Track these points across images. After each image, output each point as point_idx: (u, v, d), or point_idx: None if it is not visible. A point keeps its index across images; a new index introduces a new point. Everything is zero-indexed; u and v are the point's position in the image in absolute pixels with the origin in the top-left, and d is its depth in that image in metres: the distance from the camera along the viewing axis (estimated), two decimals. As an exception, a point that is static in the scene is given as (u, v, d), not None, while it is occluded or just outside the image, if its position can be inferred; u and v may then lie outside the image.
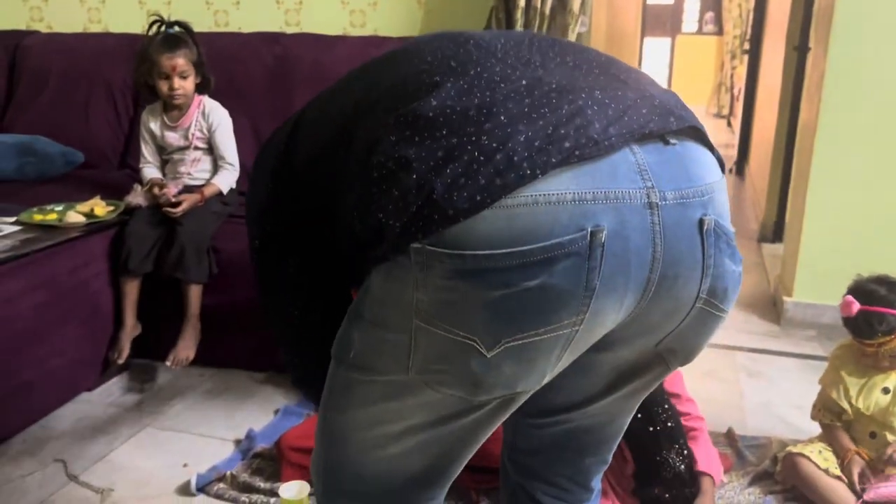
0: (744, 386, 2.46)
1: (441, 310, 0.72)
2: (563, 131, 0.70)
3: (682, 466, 1.69)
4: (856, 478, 1.75)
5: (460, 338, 0.72)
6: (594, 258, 0.69)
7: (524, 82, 0.75)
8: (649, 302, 0.76)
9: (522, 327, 0.71)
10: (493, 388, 0.76)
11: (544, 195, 0.68)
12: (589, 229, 0.68)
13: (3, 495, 1.86)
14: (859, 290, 1.79)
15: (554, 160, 0.68)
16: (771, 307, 3.07)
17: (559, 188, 0.68)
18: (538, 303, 0.69)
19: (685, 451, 1.72)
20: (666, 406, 1.68)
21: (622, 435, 1.06)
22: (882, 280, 1.80)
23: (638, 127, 0.74)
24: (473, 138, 0.70)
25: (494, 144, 0.69)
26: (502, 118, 0.71)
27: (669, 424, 1.66)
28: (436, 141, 0.71)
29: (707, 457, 1.74)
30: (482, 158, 0.69)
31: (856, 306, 1.75)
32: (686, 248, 0.75)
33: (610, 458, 1.09)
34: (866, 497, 1.72)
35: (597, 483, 1.12)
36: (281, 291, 1.01)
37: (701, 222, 0.75)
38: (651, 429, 1.65)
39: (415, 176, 0.71)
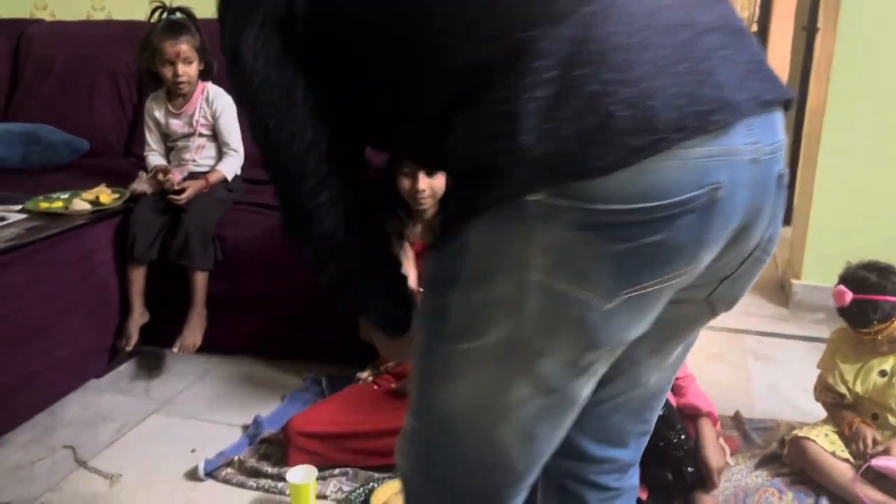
0: (751, 369, 2.45)
1: (558, 264, 0.70)
2: (701, 93, 0.69)
3: (685, 448, 1.69)
4: (869, 441, 1.74)
5: (577, 291, 0.71)
6: (710, 214, 0.71)
7: (668, 21, 0.72)
8: (723, 251, 0.78)
9: (640, 279, 0.71)
10: (605, 341, 0.75)
11: (673, 153, 0.68)
12: (709, 186, 0.70)
13: (12, 482, 1.88)
14: (850, 278, 1.77)
15: (693, 126, 0.68)
16: (779, 290, 3.06)
17: (686, 147, 0.68)
18: (657, 256, 0.71)
19: (683, 436, 1.72)
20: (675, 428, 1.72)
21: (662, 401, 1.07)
22: (872, 266, 1.77)
23: (759, 94, 0.75)
24: (613, 88, 0.67)
25: (635, 99, 0.67)
26: (647, 67, 0.68)
27: (664, 412, 1.66)
28: (574, 86, 0.67)
29: (697, 399, 1.85)
30: (622, 114, 0.66)
31: (849, 296, 1.73)
32: (767, 200, 0.79)
33: (652, 426, 1.09)
34: (874, 462, 1.71)
35: (639, 453, 1.12)
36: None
37: (780, 176, 0.80)
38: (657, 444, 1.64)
39: (546, 124, 0.67)
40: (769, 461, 1.91)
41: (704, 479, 1.73)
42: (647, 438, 1.09)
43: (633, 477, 1.13)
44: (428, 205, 2.01)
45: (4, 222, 2.15)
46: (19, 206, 2.27)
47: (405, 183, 1.98)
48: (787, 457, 1.88)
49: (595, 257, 0.69)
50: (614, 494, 1.11)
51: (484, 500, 0.88)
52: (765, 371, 2.44)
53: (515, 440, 0.82)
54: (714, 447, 1.78)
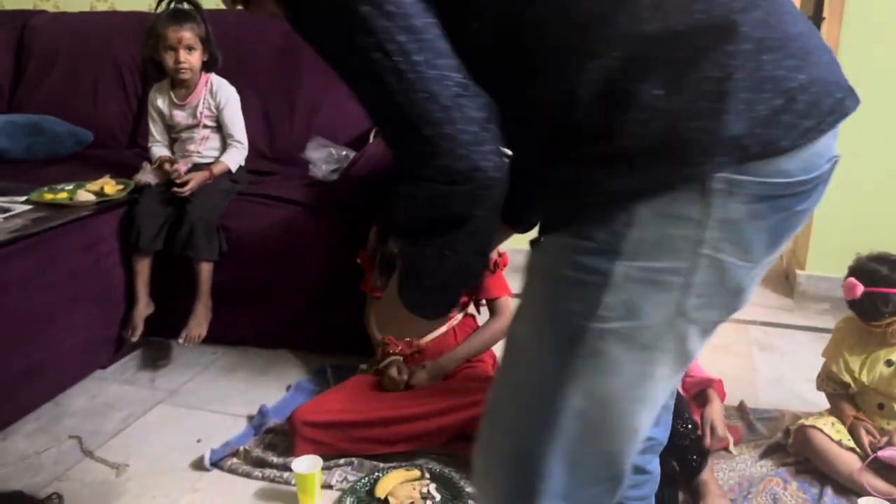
0: (756, 360, 2.44)
1: (728, 237, 0.75)
2: (836, 82, 0.77)
3: (691, 437, 1.69)
4: (865, 440, 1.74)
5: (739, 261, 0.76)
6: (826, 182, 0.80)
7: (797, 20, 0.78)
8: None
9: (779, 246, 0.80)
10: (743, 304, 0.82)
11: (822, 133, 0.76)
12: (833, 160, 0.79)
13: (19, 471, 1.89)
14: (861, 270, 1.76)
15: (838, 111, 0.77)
16: (784, 281, 3.05)
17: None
18: (797, 223, 0.79)
19: (689, 425, 1.73)
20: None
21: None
22: (883, 258, 1.76)
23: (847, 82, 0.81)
24: (793, 74, 0.73)
25: (807, 84, 0.74)
26: (812, 55, 0.76)
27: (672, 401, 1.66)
28: (765, 70, 0.72)
29: (702, 371, 1.94)
30: (800, 98, 0.73)
31: (860, 289, 1.72)
32: None
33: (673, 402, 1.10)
34: (881, 454, 1.71)
35: (666, 434, 1.13)
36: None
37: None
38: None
39: (744, 105, 0.71)
40: (774, 451, 1.91)
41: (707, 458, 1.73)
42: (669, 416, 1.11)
43: (657, 462, 1.13)
44: None
45: (9, 213, 2.16)
46: (24, 197, 2.28)
47: None
48: (792, 446, 1.87)
49: (760, 228, 0.75)
50: (646, 479, 1.12)
51: (611, 479, 0.88)
52: (770, 361, 2.43)
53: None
54: (720, 413, 1.84)
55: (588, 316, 0.76)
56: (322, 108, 2.91)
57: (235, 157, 2.48)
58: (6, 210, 2.17)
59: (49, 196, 2.29)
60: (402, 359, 2.02)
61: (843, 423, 1.81)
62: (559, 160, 0.77)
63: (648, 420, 0.84)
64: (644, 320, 0.76)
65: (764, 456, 1.89)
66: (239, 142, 2.49)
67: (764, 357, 2.47)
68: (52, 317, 2.13)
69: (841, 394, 1.86)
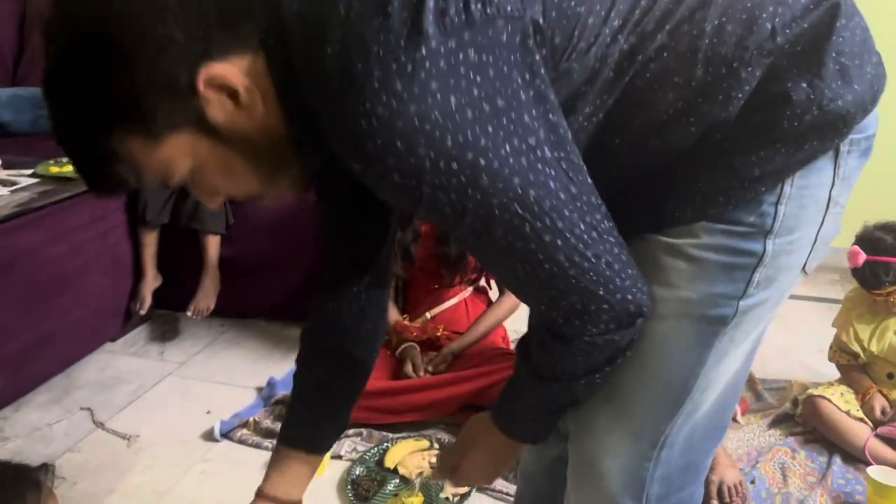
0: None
1: (843, 189, 0.81)
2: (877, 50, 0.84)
3: None
4: (878, 413, 1.75)
5: (840, 207, 0.83)
6: None
7: None
8: None
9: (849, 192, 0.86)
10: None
11: None
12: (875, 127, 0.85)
13: (31, 442, 1.90)
14: (865, 239, 1.75)
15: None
16: (792, 252, 3.03)
17: None
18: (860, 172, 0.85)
19: None
20: None
21: None
22: (889, 227, 1.76)
23: None
24: (870, 36, 0.80)
25: (874, 47, 0.80)
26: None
27: None
28: (858, 36, 0.78)
29: None
30: (878, 59, 0.79)
31: (862, 257, 1.72)
32: None
33: None
34: (880, 430, 1.72)
35: None
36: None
37: None
38: None
39: (862, 68, 0.77)
40: (782, 420, 1.91)
41: None
42: None
43: None
44: None
45: (16, 186, 2.15)
46: (30, 171, 2.27)
47: None
48: (800, 416, 1.88)
49: (855, 177, 0.82)
50: None
51: (718, 439, 0.94)
52: (778, 332, 2.42)
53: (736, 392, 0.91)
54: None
55: (738, 296, 0.80)
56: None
57: (241, 129, 2.46)
58: (13, 183, 2.16)
59: (55, 169, 2.28)
60: (417, 347, 2.01)
61: (858, 393, 1.81)
62: (702, 158, 0.78)
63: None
64: (781, 286, 0.83)
65: (772, 426, 1.90)
66: (245, 113, 2.47)
67: (772, 327, 2.45)
68: (61, 289, 2.14)
69: (853, 365, 1.86)
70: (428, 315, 2.07)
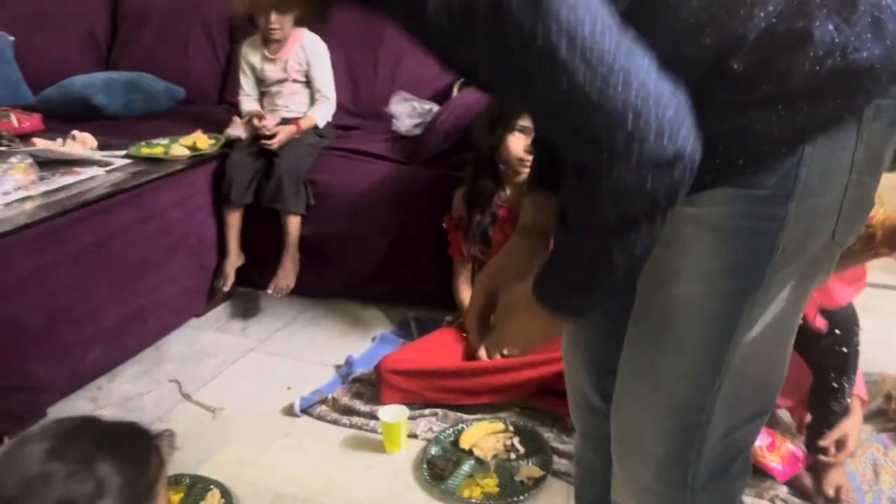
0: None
1: (869, 159, 0.79)
2: None
3: (848, 399, 1.58)
4: None
5: (872, 180, 0.82)
6: None
7: None
8: None
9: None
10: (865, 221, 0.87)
11: None
12: None
13: (124, 412, 2.00)
14: None
15: None
16: (887, 241, 2.89)
17: None
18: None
19: (852, 385, 1.59)
20: (857, 328, 1.57)
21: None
22: None
23: None
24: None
25: None
26: None
27: (859, 349, 1.56)
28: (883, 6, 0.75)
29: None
30: None
31: None
32: None
33: None
34: None
35: None
36: None
37: None
38: (844, 349, 1.53)
39: (893, 30, 0.74)
40: (874, 416, 1.83)
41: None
42: None
43: None
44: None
45: (111, 167, 2.25)
46: (124, 152, 2.37)
47: (516, 142, 1.93)
48: (893, 411, 1.79)
49: (889, 147, 0.80)
50: None
51: (764, 413, 0.92)
52: (872, 323, 2.31)
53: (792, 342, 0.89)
54: None
55: (765, 261, 0.79)
56: (405, 63, 2.90)
57: (323, 112, 2.50)
58: (108, 164, 2.26)
59: (146, 150, 2.38)
60: None
61: None
62: (719, 113, 0.76)
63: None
64: (808, 252, 0.80)
65: (864, 421, 1.81)
66: (327, 97, 2.51)
67: (866, 318, 2.34)
68: (151, 266, 2.23)
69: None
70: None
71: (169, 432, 0.97)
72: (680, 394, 0.86)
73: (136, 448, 0.92)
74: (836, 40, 0.72)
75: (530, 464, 1.69)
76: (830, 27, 0.72)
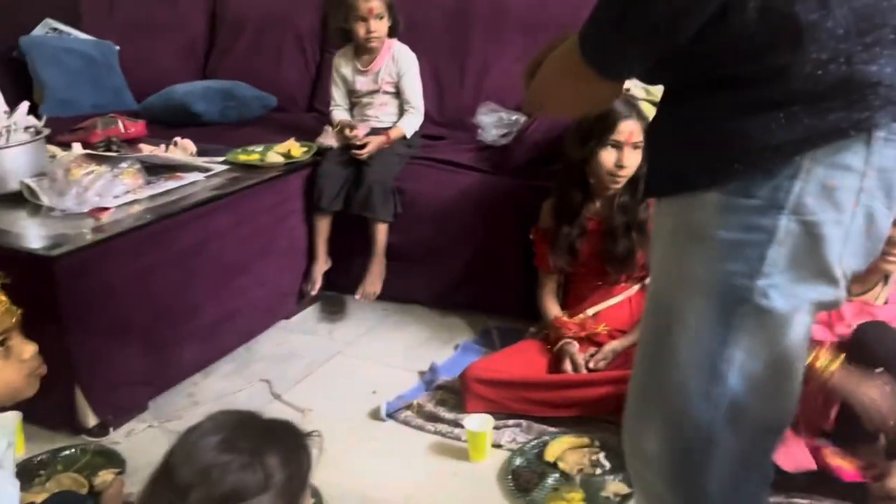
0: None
1: (880, 184, 0.77)
2: None
3: None
4: None
5: (885, 207, 0.80)
6: None
7: None
8: None
9: None
10: (879, 249, 0.86)
11: None
12: None
13: (217, 408, 2.03)
14: None
15: None
16: None
17: None
18: None
19: None
20: None
21: None
22: None
23: None
24: None
25: None
26: None
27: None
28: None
29: None
30: None
31: None
32: None
33: None
34: None
35: None
36: None
37: None
38: None
39: None
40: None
41: None
42: None
43: None
44: (621, 183, 1.95)
45: (210, 173, 2.35)
46: (222, 158, 2.46)
47: (607, 157, 1.93)
48: None
49: None
50: None
51: (778, 431, 0.91)
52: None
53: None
54: None
55: (752, 274, 0.78)
56: (491, 73, 2.92)
57: (412, 123, 2.55)
58: (207, 170, 2.36)
59: (243, 157, 2.47)
60: (576, 344, 2.00)
61: None
62: (721, 111, 0.77)
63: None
64: (805, 272, 0.78)
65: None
66: (415, 108, 2.56)
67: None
68: (244, 269, 2.32)
69: None
70: (589, 312, 2.06)
71: (317, 433, 1.02)
72: (674, 403, 0.86)
73: (294, 445, 0.97)
74: (842, 46, 0.70)
75: (617, 480, 1.68)
76: (840, 33, 0.71)
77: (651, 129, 0.92)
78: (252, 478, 0.89)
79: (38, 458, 1.82)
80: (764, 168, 0.75)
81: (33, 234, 1.95)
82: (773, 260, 0.77)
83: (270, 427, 0.98)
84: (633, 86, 2.52)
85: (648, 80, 0.91)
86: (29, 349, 1.22)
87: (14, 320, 1.20)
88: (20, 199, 2.06)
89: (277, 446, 0.93)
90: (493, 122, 2.63)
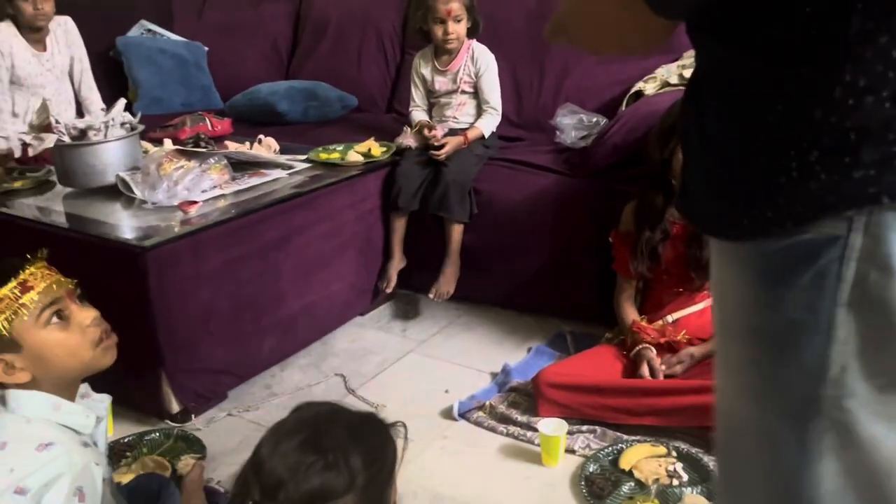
0: None
1: None
2: None
3: None
4: None
5: None
6: None
7: None
8: None
9: None
10: None
11: None
12: None
13: (295, 400, 2.08)
14: None
15: None
16: None
17: None
18: None
19: None
20: None
21: None
22: None
23: None
24: None
25: None
26: None
27: None
28: None
29: None
30: None
31: None
32: None
33: None
34: None
35: None
36: None
37: None
38: None
39: None
40: None
41: None
42: None
43: None
44: None
45: (292, 170, 2.40)
46: (304, 156, 2.52)
47: None
48: None
49: None
50: None
51: None
52: None
53: None
54: None
55: (810, 383, 0.60)
56: (571, 74, 2.90)
57: (489, 124, 2.55)
58: (290, 167, 2.42)
59: (324, 156, 2.52)
60: (653, 350, 1.96)
61: None
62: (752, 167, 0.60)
63: None
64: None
65: None
66: (494, 108, 2.55)
67: None
68: (323, 264, 2.36)
69: None
70: (669, 318, 2.01)
71: (402, 424, 1.02)
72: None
73: (379, 442, 0.98)
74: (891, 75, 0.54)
75: (694, 492, 1.64)
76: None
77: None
78: (336, 479, 0.90)
79: (126, 440, 1.90)
80: (791, 235, 0.58)
81: (126, 226, 2.04)
82: (840, 364, 0.59)
83: (355, 423, 0.99)
84: (668, 72, 2.46)
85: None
86: (88, 315, 1.22)
87: (65, 290, 1.21)
88: (116, 192, 2.15)
89: (362, 446, 0.93)
90: (572, 124, 2.61)
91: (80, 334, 1.22)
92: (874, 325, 0.58)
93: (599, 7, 0.71)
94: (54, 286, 1.20)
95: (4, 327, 1.14)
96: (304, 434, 0.93)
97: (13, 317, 1.15)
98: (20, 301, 1.16)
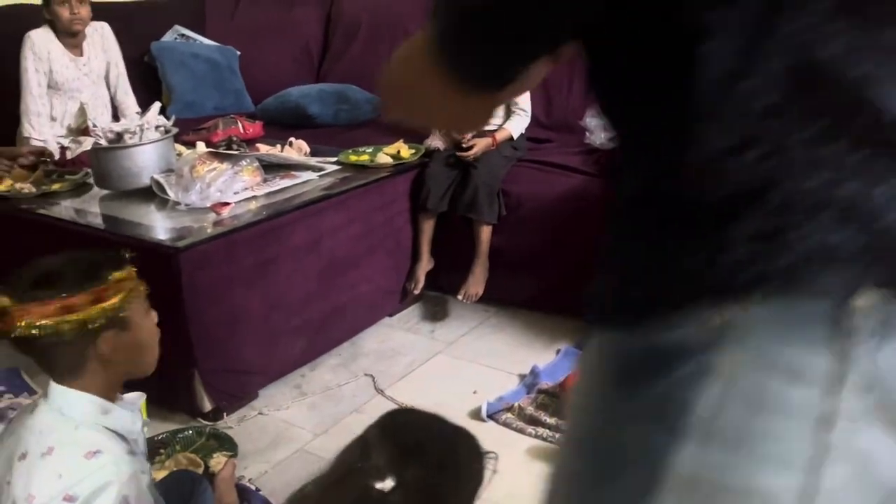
0: None
1: (864, 413, 0.46)
2: None
3: None
4: None
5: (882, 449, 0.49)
6: None
7: None
8: None
9: None
10: None
11: None
12: None
13: (324, 399, 2.15)
14: None
15: None
16: None
17: None
18: None
19: None
20: None
21: None
22: None
23: None
24: None
25: None
26: None
27: None
28: None
29: None
30: None
31: None
32: None
33: None
34: None
35: None
36: None
37: None
38: None
39: None
40: None
41: None
42: None
43: None
44: None
45: (323, 172, 2.43)
46: (334, 158, 2.55)
47: None
48: None
49: None
50: None
51: None
52: None
53: None
54: None
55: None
56: (600, 76, 2.88)
57: (518, 125, 2.55)
58: (320, 169, 2.44)
59: (354, 157, 2.54)
60: None
61: None
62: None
63: None
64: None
65: None
66: (523, 109, 2.56)
67: None
68: (353, 265, 2.38)
69: None
70: None
71: (494, 455, 1.00)
72: None
73: (470, 471, 0.97)
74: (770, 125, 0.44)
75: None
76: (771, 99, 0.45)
77: None
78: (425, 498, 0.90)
79: (159, 437, 1.94)
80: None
81: (160, 227, 2.08)
82: None
83: (454, 440, 0.98)
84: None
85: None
86: (155, 316, 1.23)
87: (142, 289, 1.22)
88: (150, 194, 2.20)
89: (456, 467, 0.94)
90: (602, 125, 2.60)
91: (151, 321, 1.23)
92: (697, 468, 0.43)
93: (413, 93, 0.62)
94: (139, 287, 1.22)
95: (125, 305, 1.14)
96: (407, 441, 0.94)
97: (132, 296, 1.16)
98: (138, 284, 1.18)
